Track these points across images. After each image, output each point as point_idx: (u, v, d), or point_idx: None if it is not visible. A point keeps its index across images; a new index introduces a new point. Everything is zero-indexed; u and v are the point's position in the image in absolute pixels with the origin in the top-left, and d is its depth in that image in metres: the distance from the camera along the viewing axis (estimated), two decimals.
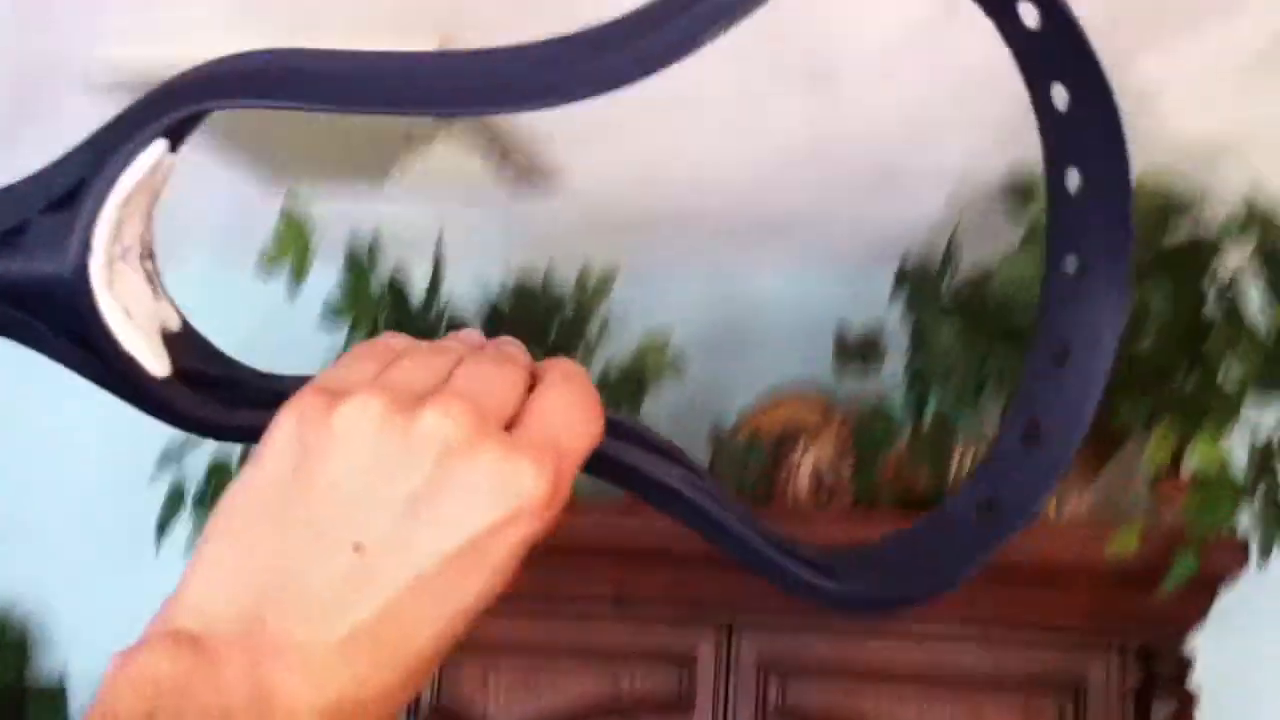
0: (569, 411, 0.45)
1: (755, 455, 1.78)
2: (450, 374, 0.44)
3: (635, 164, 1.83)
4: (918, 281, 1.77)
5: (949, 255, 1.78)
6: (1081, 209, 0.52)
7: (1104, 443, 1.67)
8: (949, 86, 1.57)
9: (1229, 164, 1.70)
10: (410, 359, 0.45)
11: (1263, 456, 1.58)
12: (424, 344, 0.47)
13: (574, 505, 0.44)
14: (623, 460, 0.48)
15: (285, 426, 0.43)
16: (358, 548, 0.42)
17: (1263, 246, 1.64)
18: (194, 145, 0.46)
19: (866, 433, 1.73)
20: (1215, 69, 1.49)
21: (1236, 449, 1.60)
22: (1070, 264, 0.53)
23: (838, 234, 2.02)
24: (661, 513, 0.49)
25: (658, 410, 1.88)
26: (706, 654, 1.70)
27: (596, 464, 0.46)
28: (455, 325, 1.94)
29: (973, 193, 1.84)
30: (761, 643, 1.70)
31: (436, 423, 0.42)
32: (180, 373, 0.46)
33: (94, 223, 0.43)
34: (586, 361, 1.90)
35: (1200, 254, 1.67)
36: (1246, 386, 1.59)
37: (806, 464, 1.75)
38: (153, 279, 0.46)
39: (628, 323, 1.95)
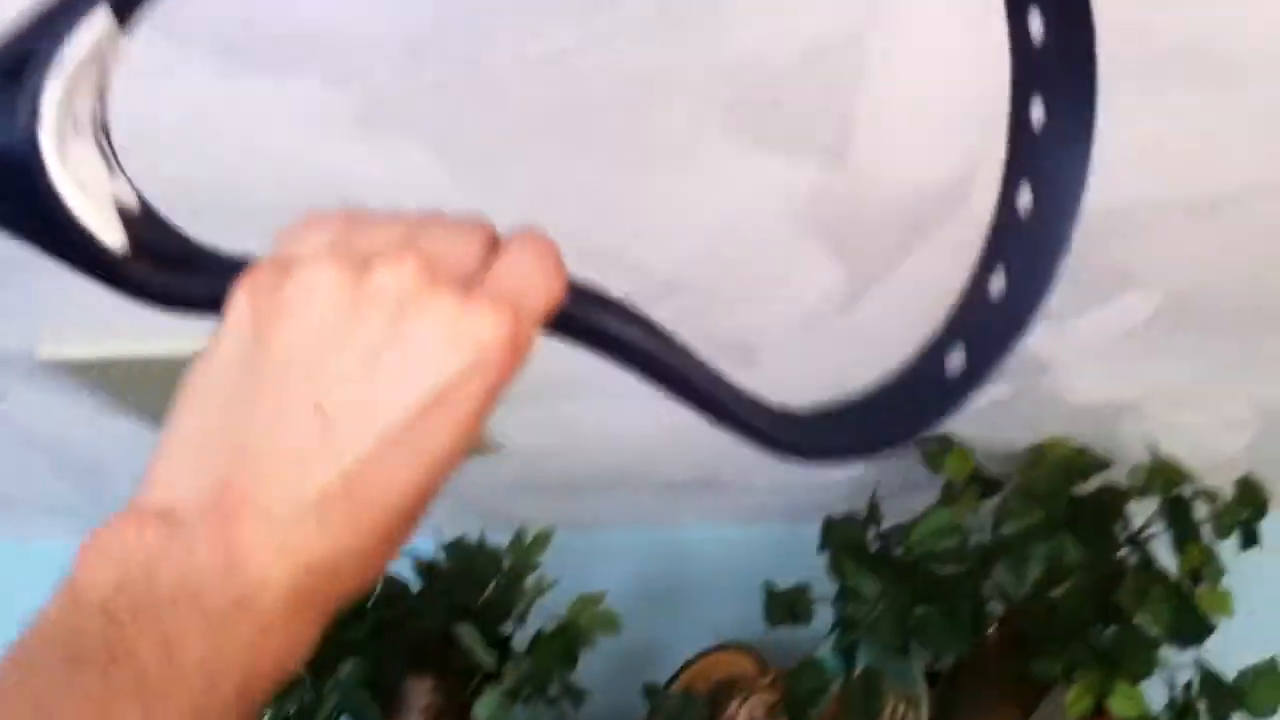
0: (529, 269, 0.44)
1: (691, 710, 1.80)
2: (404, 236, 0.43)
3: (563, 427, 1.90)
4: (842, 536, 1.83)
5: (872, 511, 1.85)
6: (1047, 57, 0.51)
7: (1027, 692, 1.71)
8: (861, 357, 1.66)
9: (1129, 422, 1.80)
10: (363, 224, 0.44)
11: (1182, 702, 1.63)
12: (379, 211, 0.46)
13: None
14: (585, 319, 0.47)
15: (240, 300, 0.42)
16: (318, 409, 0.40)
17: (1167, 497, 1.72)
18: None
19: (798, 686, 1.75)
20: (1103, 342, 1.60)
21: (1157, 694, 1.65)
22: (1036, 110, 0.51)
23: (763, 491, 2.09)
24: (627, 371, 0.48)
25: (594, 666, 1.90)
26: None
27: (558, 323, 0.45)
28: (392, 583, 1.97)
29: (891, 451, 1.92)
30: None
31: (388, 278, 0.41)
32: (139, 249, 0.44)
33: (40, 91, 0.41)
34: (523, 620, 1.93)
35: (1111, 505, 1.76)
36: (1161, 635, 1.65)
37: (743, 718, 1.77)
38: (108, 155, 0.45)
39: (562, 581, 1.99)
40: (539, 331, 0.45)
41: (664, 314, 1.86)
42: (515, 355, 0.43)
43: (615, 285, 1.69)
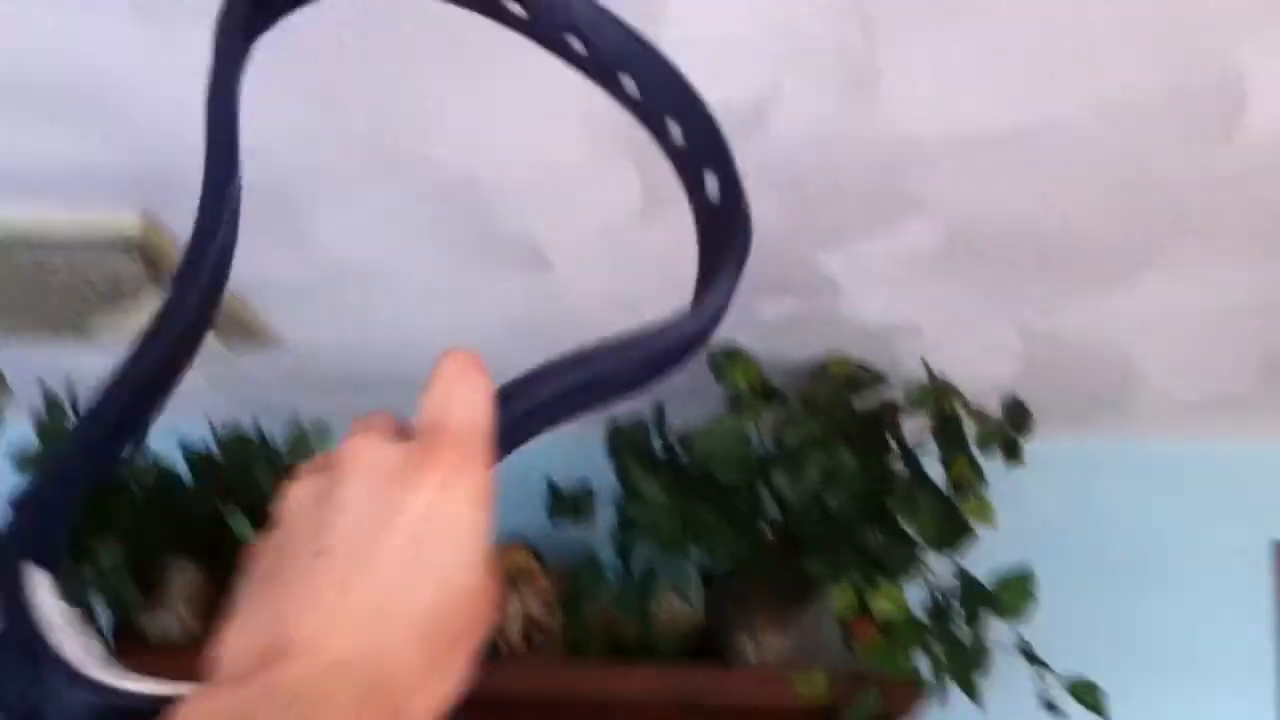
0: (450, 397, 0.47)
1: None
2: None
3: (347, 326, 1.86)
4: (628, 440, 1.85)
5: (657, 416, 1.88)
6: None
7: (798, 591, 1.77)
8: (653, 271, 1.68)
9: (908, 344, 1.87)
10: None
11: (939, 602, 1.71)
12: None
13: None
14: (527, 406, 0.48)
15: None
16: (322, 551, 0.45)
17: (939, 414, 1.80)
18: None
19: (577, 583, 1.77)
20: (889, 266, 1.66)
21: (918, 596, 1.73)
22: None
23: None
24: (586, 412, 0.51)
25: None
26: None
27: (509, 435, 0.47)
28: (164, 474, 1.90)
29: None
30: None
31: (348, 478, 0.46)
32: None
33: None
34: None
35: (886, 419, 1.82)
36: (926, 541, 1.73)
37: (518, 612, 1.78)
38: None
39: None
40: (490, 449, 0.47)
41: (459, 212, 1.84)
42: (474, 472, 0.46)
43: (409, 181, 1.66)
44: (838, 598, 1.66)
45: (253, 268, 1.66)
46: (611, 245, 1.62)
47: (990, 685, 1.72)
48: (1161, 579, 2.11)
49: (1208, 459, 2.16)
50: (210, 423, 2.00)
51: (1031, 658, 1.75)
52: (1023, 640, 1.76)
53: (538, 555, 1.92)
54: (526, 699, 1.71)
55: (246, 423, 2.00)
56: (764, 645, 1.73)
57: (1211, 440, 2.16)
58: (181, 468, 1.91)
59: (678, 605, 1.79)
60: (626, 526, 1.75)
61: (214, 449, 1.92)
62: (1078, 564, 2.10)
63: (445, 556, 0.45)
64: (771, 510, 1.80)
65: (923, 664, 1.69)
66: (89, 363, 1.88)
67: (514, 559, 1.93)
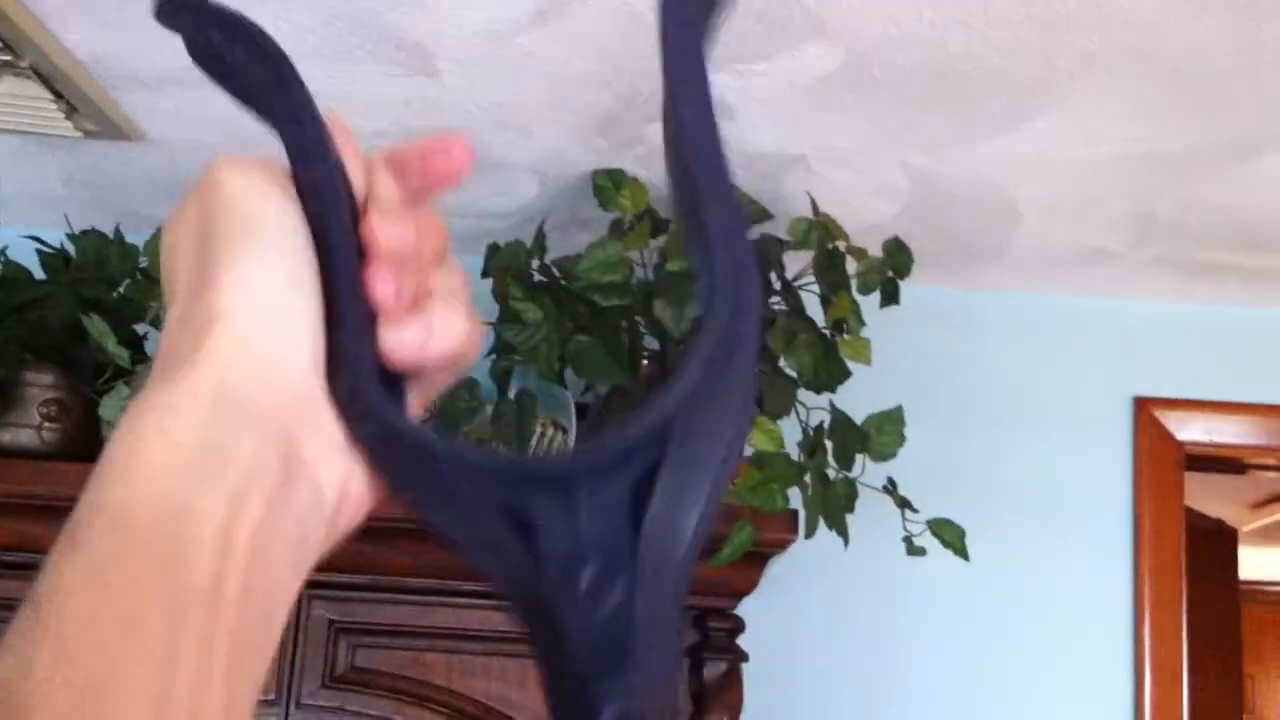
0: None
1: None
2: None
3: (215, 128, 1.77)
4: (507, 263, 1.81)
5: (539, 239, 1.83)
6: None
7: None
8: (542, 83, 1.61)
9: (795, 178, 1.85)
10: None
11: (813, 440, 1.72)
12: None
13: None
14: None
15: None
16: None
17: (822, 251, 1.78)
18: None
19: (451, 405, 1.73)
20: (784, 91, 1.62)
21: (793, 433, 1.74)
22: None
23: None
24: None
25: None
26: None
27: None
28: (16, 273, 1.80)
29: (563, 184, 1.90)
30: (331, 606, 1.67)
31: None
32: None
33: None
34: (158, 324, 1.81)
35: (769, 254, 1.80)
36: (803, 377, 1.72)
37: None
38: None
39: None
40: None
41: (341, 8, 1.72)
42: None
43: None
44: None
45: (120, 58, 1.56)
46: (499, 52, 1.55)
47: (857, 524, 1.75)
48: (1027, 428, 2.15)
49: (1078, 313, 2.20)
50: (68, 222, 1.90)
51: (898, 498, 1.78)
52: (890, 481, 1.79)
53: None
54: (395, 527, 1.68)
55: (108, 229, 1.90)
56: None
57: (1082, 295, 2.20)
58: (37, 271, 1.81)
59: (553, 434, 1.77)
60: (503, 350, 1.72)
61: (70, 250, 1.82)
62: (947, 410, 2.13)
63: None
64: (652, 341, 1.78)
65: (795, 501, 1.70)
66: None
67: None
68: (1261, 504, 3.97)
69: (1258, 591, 4.95)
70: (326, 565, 1.50)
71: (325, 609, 1.67)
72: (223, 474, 0.39)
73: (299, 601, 1.69)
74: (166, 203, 1.99)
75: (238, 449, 0.39)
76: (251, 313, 0.41)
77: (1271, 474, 2.44)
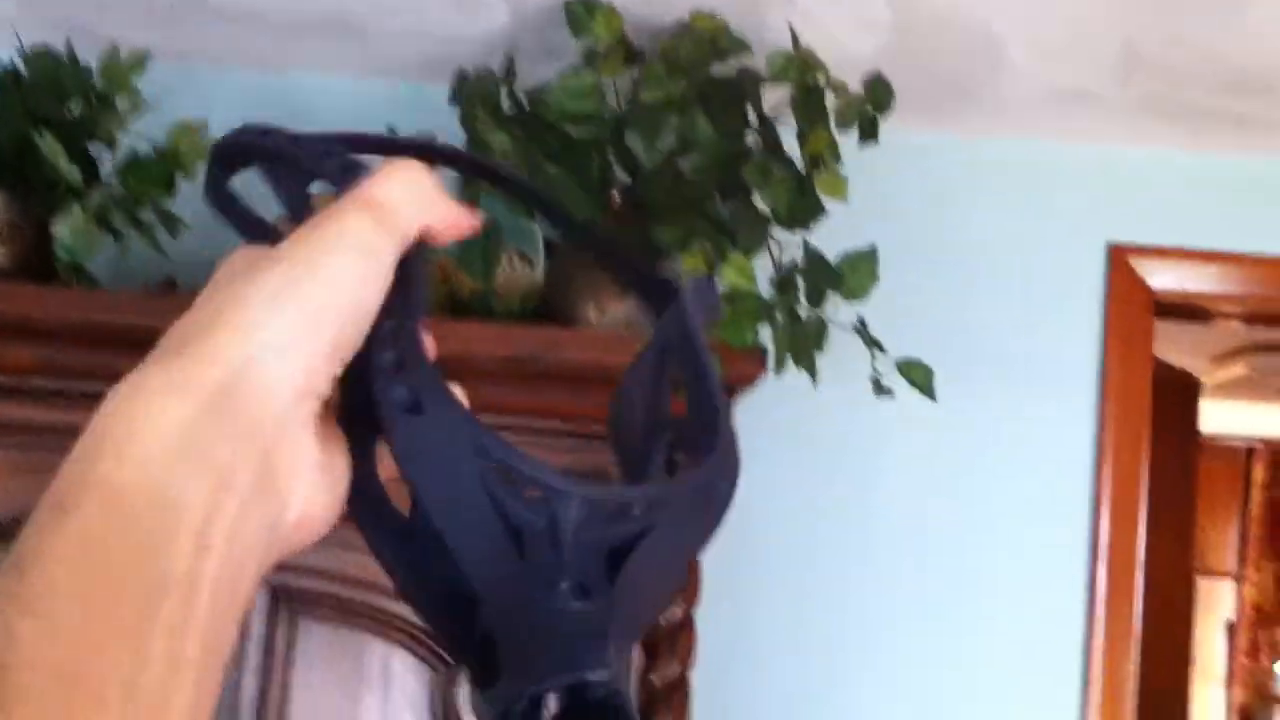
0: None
1: None
2: None
3: None
4: (476, 91, 1.75)
5: (508, 68, 1.78)
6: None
7: (646, 257, 1.73)
8: None
9: (775, 10, 1.78)
10: None
11: (786, 277, 1.69)
12: None
13: None
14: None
15: None
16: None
17: (800, 86, 1.74)
18: None
19: None
20: None
21: (766, 270, 1.71)
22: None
23: (394, 37, 1.96)
24: None
25: (192, 197, 1.76)
26: None
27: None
28: None
29: (535, 10, 1.84)
30: None
31: None
32: None
33: None
34: (112, 146, 1.75)
35: (746, 87, 1.75)
36: (776, 215, 1.69)
37: None
38: None
39: (160, 115, 1.81)
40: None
41: None
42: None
43: None
44: (686, 264, 1.62)
45: None
46: None
47: (826, 364, 1.73)
48: (1000, 273, 2.14)
49: (1057, 159, 2.17)
50: (19, 40, 1.82)
51: (867, 337, 1.76)
52: (861, 321, 1.77)
53: None
54: None
55: (60, 46, 1.82)
56: (608, 313, 1.69)
57: (1063, 140, 2.16)
58: None
59: (519, 267, 1.73)
60: (470, 180, 1.67)
61: (21, 68, 1.75)
62: (921, 254, 2.11)
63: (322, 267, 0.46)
64: (622, 175, 1.73)
65: (765, 338, 1.68)
66: None
67: None
68: (1222, 357, 4.00)
69: (1212, 446, 5.03)
70: None
71: None
72: (206, 470, 0.41)
73: None
74: (119, 20, 1.91)
75: (221, 451, 0.41)
76: (267, 333, 0.44)
77: (1235, 324, 2.44)
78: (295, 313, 0.44)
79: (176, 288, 1.80)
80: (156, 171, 1.66)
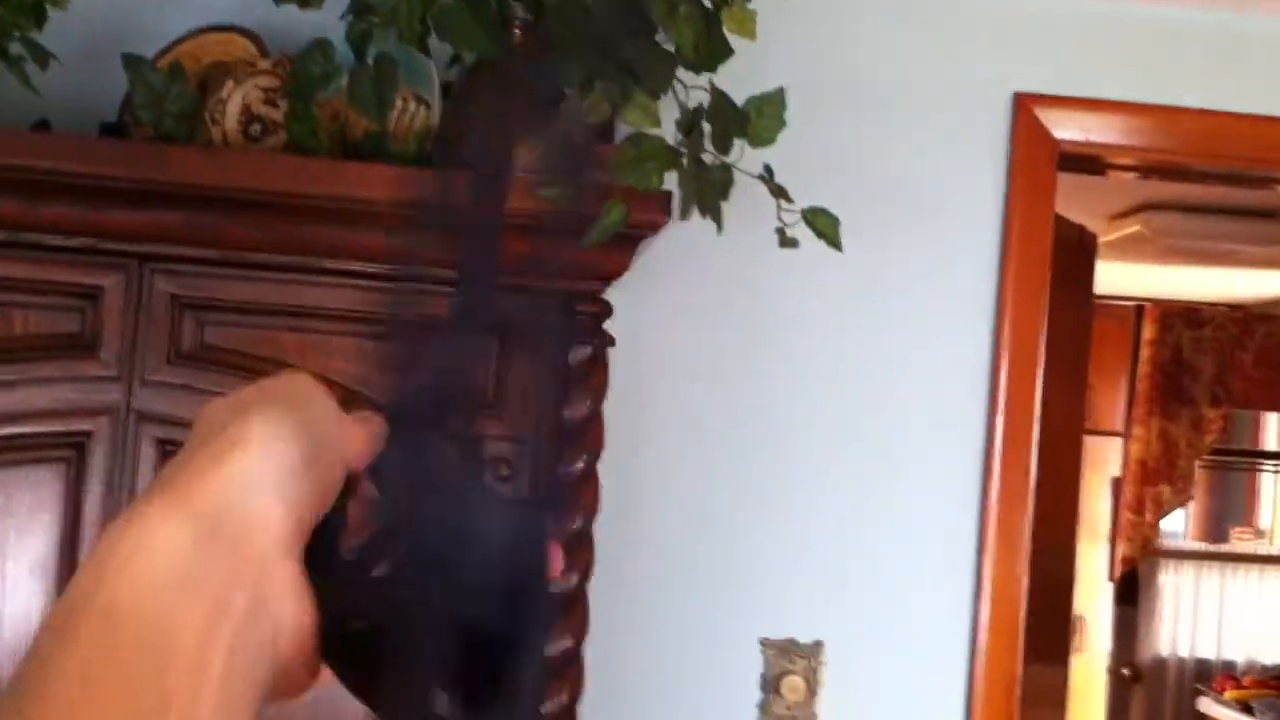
0: None
1: (177, 86, 1.61)
2: None
3: None
4: None
5: None
6: None
7: (543, 100, 1.66)
8: None
9: None
10: None
11: (691, 120, 1.64)
12: None
13: None
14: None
15: None
16: None
17: None
18: None
19: (304, 72, 1.61)
20: None
21: (670, 117, 1.66)
22: None
23: None
24: None
25: (68, 32, 1.66)
26: (114, 290, 1.55)
27: None
28: None
29: None
30: (175, 280, 1.57)
31: None
32: None
33: None
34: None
35: None
36: (683, 56, 1.63)
37: (236, 100, 1.61)
38: None
39: None
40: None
41: None
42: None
43: None
44: (591, 105, 1.56)
45: None
46: None
47: (731, 211, 1.69)
48: (906, 120, 2.11)
49: (967, 5, 2.12)
50: None
51: (773, 186, 1.72)
52: (767, 169, 1.73)
53: (259, 43, 1.73)
54: (245, 198, 1.58)
55: None
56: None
57: None
58: None
59: (414, 107, 1.66)
60: (361, 10, 1.58)
61: None
62: (827, 99, 2.06)
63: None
64: (523, 11, 1.66)
65: (670, 184, 1.63)
66: None
67: (229, 48, 1.74)
68: (1118, 216, 4.03)
69: (1103, 305, 5.11)
70: (163, 235, 1.39)
71: (167, 283, 1.57)
72: (205, 594, 0.43)
73: (138, 275, 1.59)
74: None
75: (216, 575, 0.44)
76: (266, 462, 0.46)
77: (1133, 178, 2.45)
78: (293, 436, 0.48)
79: (49, 129, 1.70)
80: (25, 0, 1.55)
